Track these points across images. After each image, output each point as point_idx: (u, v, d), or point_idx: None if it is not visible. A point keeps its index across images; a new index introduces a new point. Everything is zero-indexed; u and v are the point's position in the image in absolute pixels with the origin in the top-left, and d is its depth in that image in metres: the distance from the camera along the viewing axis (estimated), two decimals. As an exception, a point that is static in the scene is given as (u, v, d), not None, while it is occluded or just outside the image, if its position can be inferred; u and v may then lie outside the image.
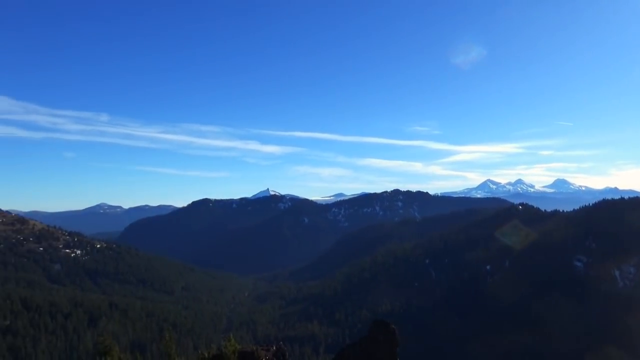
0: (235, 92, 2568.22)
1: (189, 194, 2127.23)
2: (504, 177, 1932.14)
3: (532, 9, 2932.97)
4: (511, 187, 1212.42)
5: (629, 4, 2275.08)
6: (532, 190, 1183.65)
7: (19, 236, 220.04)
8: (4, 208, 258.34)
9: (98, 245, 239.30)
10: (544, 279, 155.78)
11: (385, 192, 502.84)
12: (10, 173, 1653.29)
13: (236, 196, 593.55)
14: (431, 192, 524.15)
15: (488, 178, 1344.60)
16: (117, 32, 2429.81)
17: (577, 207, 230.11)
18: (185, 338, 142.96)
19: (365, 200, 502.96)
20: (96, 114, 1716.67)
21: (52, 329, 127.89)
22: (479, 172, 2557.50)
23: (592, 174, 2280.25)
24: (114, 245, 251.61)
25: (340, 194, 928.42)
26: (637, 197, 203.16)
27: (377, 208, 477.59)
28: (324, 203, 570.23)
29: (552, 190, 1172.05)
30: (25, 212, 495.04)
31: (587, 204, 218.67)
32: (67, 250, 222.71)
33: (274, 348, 28.30)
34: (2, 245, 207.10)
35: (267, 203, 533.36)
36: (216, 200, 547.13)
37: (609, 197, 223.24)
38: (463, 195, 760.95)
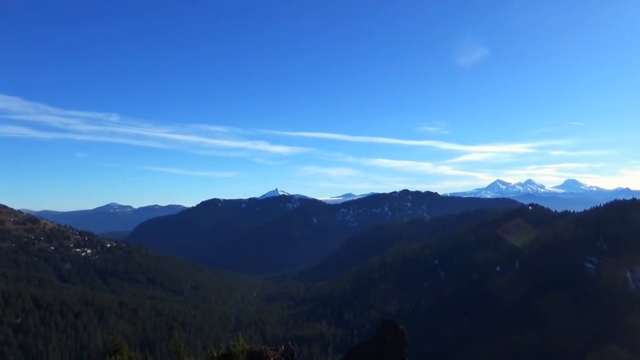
0: (244, 93, 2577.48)
1: (198, 194, 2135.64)
2: (514, 178, 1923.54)
3: (542, 7, 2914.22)
4: (521, 188, 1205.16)
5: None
6: (542, 190, 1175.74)
7: (30, 235, 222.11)
8: (16, 207, 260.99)
9: (108, 245, 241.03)
10: (554, 280, 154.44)
11: (394, 192, 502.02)
12: (22, 173, 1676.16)
13: (245, 196, 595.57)
14: (440, 193, 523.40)
15: (498, 178, 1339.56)
16: (128, 33, 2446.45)
17: (588, 207, 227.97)
18: (194, 337, 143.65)
19: (374, 200, 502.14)
20: (107, 115, 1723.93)
21: (63, 327, 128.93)
22: (489, 173, 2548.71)
23: (603, 174, 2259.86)
24: (124, 245, 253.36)
25: (349, 194, 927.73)
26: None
27: (386, 208, 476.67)
28: (332, 203, 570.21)
29: (562, 191, 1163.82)
30: (36, 212, 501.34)
31: (598, 205, 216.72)
32: (78, 250, 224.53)
33: (283, 348, 28.28)
34: (13, 244, 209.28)
35: (275, 203, 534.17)
36: (225, 201, 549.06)
37: (620, 197, 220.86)
38: (472, 196, 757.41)
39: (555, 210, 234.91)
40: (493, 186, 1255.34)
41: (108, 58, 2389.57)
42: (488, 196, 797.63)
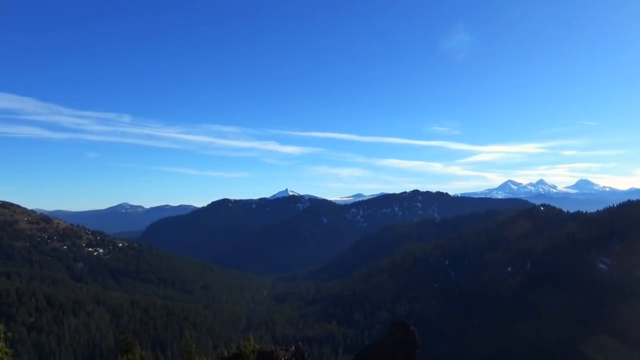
0: (255, 93, 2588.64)
1: (209, 194, 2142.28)
2: (525, 178, 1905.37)
3: (554, 6, 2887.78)
4: (533, 188, 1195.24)
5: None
6: (554, 191, 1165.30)
7: (43, 235, 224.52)
8: (30, 207, 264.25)
9: (120, 244, 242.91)
10: (566, 281, 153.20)
11: (405, 192, 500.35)
12: (36, 173, 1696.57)
13: (255, 196, 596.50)
14: (451, 193, 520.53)
15: (509, 179, 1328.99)
16: (140, 34, 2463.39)
17: (600, 208, 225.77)
18: (205, 337, 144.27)
19: (384, 200, 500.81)
20: (118, 115, 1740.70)
21: (76, 326, 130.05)
22: (500, 173, 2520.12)
23: (616, 174, 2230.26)
24: (136, 245, 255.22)
25: (359, 195, 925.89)
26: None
27: (396, 208, 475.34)
28: (342, 203, 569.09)
29: (575, 191, 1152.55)
30: (49, 211, 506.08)
31: (611, 205, 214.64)
32: (90, 249, 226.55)
33: (293, 348, 28.38)
34: (27, 244, 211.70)
35: (285, 203, 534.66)
36: (235, 201, 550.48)
37: (633, 198, 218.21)
38: (483, 196, 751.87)
39: (568, 211, 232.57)
40: (504, 186, 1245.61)
41: (120, 59, 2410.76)
42: (499, 196, 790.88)
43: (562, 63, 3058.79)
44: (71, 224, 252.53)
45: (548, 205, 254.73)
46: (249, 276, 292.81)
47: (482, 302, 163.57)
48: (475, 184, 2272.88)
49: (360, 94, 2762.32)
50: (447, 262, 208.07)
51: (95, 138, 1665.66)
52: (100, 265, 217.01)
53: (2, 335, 20.08)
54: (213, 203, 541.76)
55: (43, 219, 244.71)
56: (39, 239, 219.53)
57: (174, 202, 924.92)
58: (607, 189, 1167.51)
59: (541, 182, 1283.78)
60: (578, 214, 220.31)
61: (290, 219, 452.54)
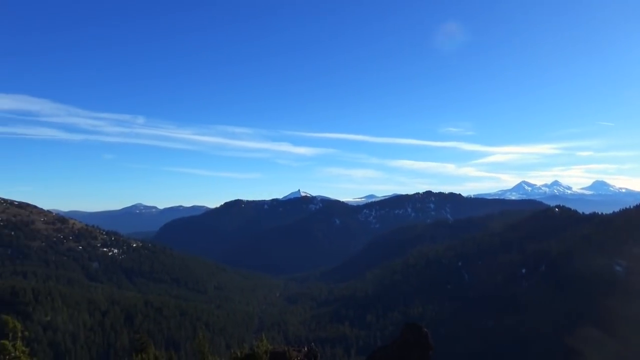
0: (268, 94, 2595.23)
1: (222, 194, 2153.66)
2: (539, 179, 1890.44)
3: (569, 5, 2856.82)
4: (547, 189, 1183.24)
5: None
6: (569, 192, 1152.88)
7: (59, 235, 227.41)
8: (46, 207, 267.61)
9: (134, 245, 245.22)
10: (582, 283, 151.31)
11: (417, 193, 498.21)
12: (52, 174, 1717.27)
13: (268, 197, 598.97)
14: (464, 194, 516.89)
15: (523, 179, 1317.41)
16: (153, 35, 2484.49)
17: (617, 209, 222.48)
18: (218, 337, 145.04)
19: (397, 201, 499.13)
20: (133, 117, 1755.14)
21: (91, 325, 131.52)
22: (514, 174, 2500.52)
23: (633, 175, 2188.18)
24: (150, 245, 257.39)
25: (372, 196, 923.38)
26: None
27: (409, 209, 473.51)
28: (355, 204, 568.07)
29: (590, 192, 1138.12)
30: (65, 212, 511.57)
31: (627, 207, 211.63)
32: (105, 249, 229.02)
33: (306, 349, 28.37)
34: (43, 244, 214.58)
35: (298, 204, 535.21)
36: (248, 201, 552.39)
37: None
38: (497, 197, 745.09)
39: (583, 212, 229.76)
40: (518, 187, 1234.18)
41: (134, 61, 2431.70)
42: (513, 198, 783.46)
43: (578, 62, 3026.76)
44: (86, 225, 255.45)
45: (563, 206, 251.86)
46: (261, 277, 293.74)
47: (496, 304, 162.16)
48: (488, 185, 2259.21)
49: (373, 95, 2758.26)
50: (460, 264, 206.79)
51: (110, 139, 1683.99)
52: (114, 265, 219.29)
53: (19, 334, 20.42)
54: (226, 204, 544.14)
55: (59, 220, 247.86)
56: (55, 239, 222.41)
57: (188, 203, 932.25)
58: (624, 190, 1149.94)
59: (556, 183, 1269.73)
60: (594, 215, 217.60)
61: (303, 219, 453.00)
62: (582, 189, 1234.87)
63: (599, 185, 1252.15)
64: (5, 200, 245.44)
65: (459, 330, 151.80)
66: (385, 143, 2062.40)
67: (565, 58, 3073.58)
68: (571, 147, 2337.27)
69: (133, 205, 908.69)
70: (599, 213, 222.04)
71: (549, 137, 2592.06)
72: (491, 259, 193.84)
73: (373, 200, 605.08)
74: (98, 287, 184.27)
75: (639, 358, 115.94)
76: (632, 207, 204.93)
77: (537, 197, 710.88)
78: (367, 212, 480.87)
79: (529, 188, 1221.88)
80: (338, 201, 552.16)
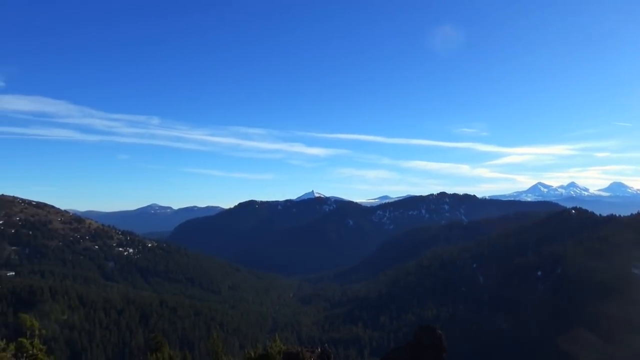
0: (281, 95, 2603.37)
1: (236, 195, 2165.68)
2: (555, 180, 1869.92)
3: (583, 4, 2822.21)
4: (564, 191, 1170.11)
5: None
6: (586, 193, 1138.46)
7: (76, 234, 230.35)
8: (63, 207, 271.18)
9: (149, 245, 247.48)
10: (599, 286, 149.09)
11: (432, 194, 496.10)
12: (69, 174, 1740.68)
13: (281, 198, 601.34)
14: (479, 195, 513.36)
15: (539, 181, 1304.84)
16: (167, 37, 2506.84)
17: (635, 211, 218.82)
18: (232, 337, 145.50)
19: (411, 202, 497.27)
20: (148, 118, 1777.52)
21: (106, 324, 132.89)
22: (529, 175, 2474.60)
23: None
24: (164, 245, 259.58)
25: (385, 197, 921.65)
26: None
27: (423, 211, 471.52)
28: (368, 205, 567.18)
29: (608, 194, 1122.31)
30: (82, 212, 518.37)
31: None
32: (121, 249, 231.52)
33: (319, 350, 28.38)
34: (60, 243, 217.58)
35: (311, 205, 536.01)
36: (262, 202, 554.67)
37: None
38: (512, 199, 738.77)
39: (600, 214, 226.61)
40: (534, 189, 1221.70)
41: (148, 62, 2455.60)
42: (528, 199, 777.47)
43: (595, 62, 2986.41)
44: (102, 224, 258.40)
45: (580, 208, 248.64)
46: (275, 277, 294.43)
47: (511, 306, 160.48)
48: (503, 186, 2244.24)
49: (386, 95, 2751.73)
50: (474, 266, 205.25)
51: (125, 140, 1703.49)
52: (130, 264, 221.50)
53: (37, 332, 20.75)
54: (240, 204, 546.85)
55: (76, 219, 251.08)
56: (71, 238, 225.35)
57: (202, 203, 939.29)
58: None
59: (572, 184, 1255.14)
60: (611, 217, 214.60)
61: (316, 220, 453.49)
62: (599, 190, 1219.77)
63: (616, 186, 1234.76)
64: (23, 201, 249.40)
65: (474, 333, 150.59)
66: (399, 144, 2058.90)
67: (581, 57, 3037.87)
68: (588, 148, 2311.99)
69: (148, 206, 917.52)
70: (617, 215, 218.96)
71: (565, 138, 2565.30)
72: (506, 261, 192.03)
73: (387, 201, 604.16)
74: (114, 286, 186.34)
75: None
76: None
77: (553, 199, 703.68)
78: (381, 213, 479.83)
79: (545, 189, 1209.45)
80: (351, 202, 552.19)
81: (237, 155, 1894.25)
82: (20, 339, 20.13)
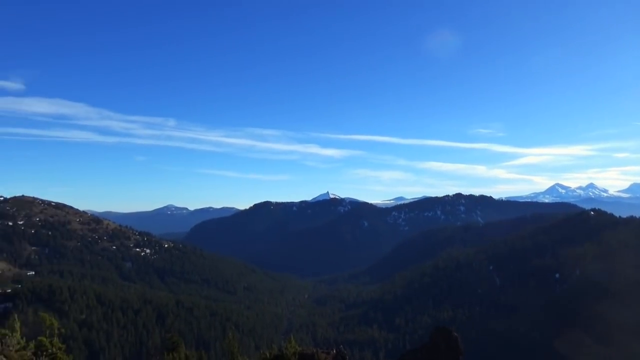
0: (296, 96, 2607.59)
1: (251, 196, 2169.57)
2: (574, 181, 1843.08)
3: (600, 3, 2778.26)
4: (582, 192, 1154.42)
5: None
6: (605, 195, 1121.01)
7: (94, 235, 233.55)
8: (81, 208, 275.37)
9: (166, 245, 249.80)
10: (618, 288, 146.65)
11: (447, 196, 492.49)
12: (87, 175, 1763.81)
13: (296, 199, 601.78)
14: (495, 197, 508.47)
15: (557, 182, 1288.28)
16: (183, 39, 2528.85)
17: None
18: (247, 338, 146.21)
19: (427, 204, 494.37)
20: (164, 119, 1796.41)
21: (124, 323, 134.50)
22: (547, 176, 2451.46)
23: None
24: (181, 246, 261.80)
25: (401, 198, 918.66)
26: None
27: (439, 212, 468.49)
28: (383, 207, 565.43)
29: (627, 195, 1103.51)
30: (99, 213, 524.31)
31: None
32: (138, 249, 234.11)
33: (334, 351, 28.39)
34: (79, 244, 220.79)
35: (327, 206, 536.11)
36: (277, 203, 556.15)
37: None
38: (529, 200, 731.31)
39: (620, 216, 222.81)
40: (552, 190, 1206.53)
41: (165, 64, 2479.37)
42: (546, 200, 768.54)
43: (614, 61, 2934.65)
44: (120, 225, 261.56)
45: (599, 209, 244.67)
46: (290, 278, 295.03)
47: (528, 309, 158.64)
48: (520, 187, 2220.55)
49: (402, 96, 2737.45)
50: (491, 268, 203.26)
51: (142, 142, 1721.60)
52: (147, 265, 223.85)
53: (56, 331, 21.07)
54: (255, 205, 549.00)
55: (94, 220, 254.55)
56: (90, 239, 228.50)
57: (217, 204, 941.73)
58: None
59: (591, 185, 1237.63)
60: (631, 219, 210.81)
61: (331, 221, 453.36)
62: (619, 191, 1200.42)
63: (636, 187, 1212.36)
64: (43, 201, 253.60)
65: (490, 335, 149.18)
66: (414, 145, 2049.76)
67: (600, 56, 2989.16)
68: (607, 149, 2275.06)
69: (165, 207, 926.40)
70: (636, 217, 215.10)
71: (584, 138, 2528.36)
72: (523, 263, 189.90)
73: (402, 202, 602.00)
74: (131, 286, 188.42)
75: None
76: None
77: (571, 200, 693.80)
78: (396, 214, 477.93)
79: (563, 191, 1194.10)
80: (367, 203, 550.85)
81: (252, 156, 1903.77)
82: (39, 338, 20.47)
